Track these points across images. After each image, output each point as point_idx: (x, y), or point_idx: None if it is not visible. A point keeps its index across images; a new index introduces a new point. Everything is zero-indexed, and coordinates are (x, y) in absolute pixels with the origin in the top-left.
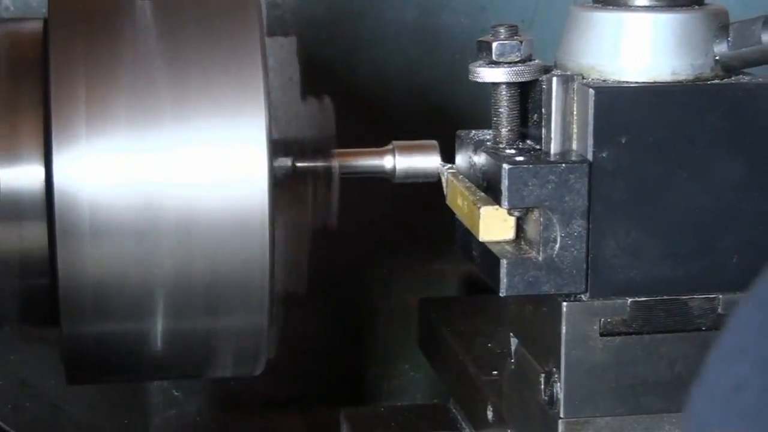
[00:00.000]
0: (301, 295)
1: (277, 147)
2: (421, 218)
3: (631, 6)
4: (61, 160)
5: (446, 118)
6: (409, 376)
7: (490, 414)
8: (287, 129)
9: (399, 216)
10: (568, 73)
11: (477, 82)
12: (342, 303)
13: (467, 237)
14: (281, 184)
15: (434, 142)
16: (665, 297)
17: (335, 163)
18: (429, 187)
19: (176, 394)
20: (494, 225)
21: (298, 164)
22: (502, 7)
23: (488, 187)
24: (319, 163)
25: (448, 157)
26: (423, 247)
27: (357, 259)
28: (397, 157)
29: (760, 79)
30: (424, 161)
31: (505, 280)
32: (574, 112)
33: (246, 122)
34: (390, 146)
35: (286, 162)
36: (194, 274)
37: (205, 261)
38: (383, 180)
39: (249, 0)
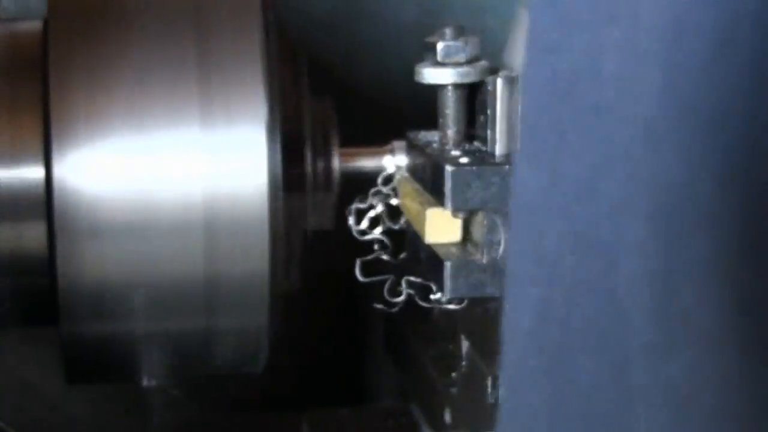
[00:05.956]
0: (301, 295)
1: (277, 146)
2: None
3: None
4: (60, 160)
5: None
6: None
7: (447, 416)
8: (287, 129)
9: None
10: (514, 74)
11: (423, 83)
12: (342, 303)
13: (416, 239)
14: (281, 184)
15: None
16: None
17: (335, 163)
18: None
19: (176, 394)
20: (441, 227)
21: (298, 164)
22: (501, 8)
23: (434, 189)
24: (319, 163)
25: None
26: None
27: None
28: (396, 157)
29: None
30: None
31: (449, 282)
32: (519, 113)
33: (246, 122)
34: (389, 146)
35: (286, 162)
36: (194, 274)
37: (204, 261)
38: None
39: (250, 0)
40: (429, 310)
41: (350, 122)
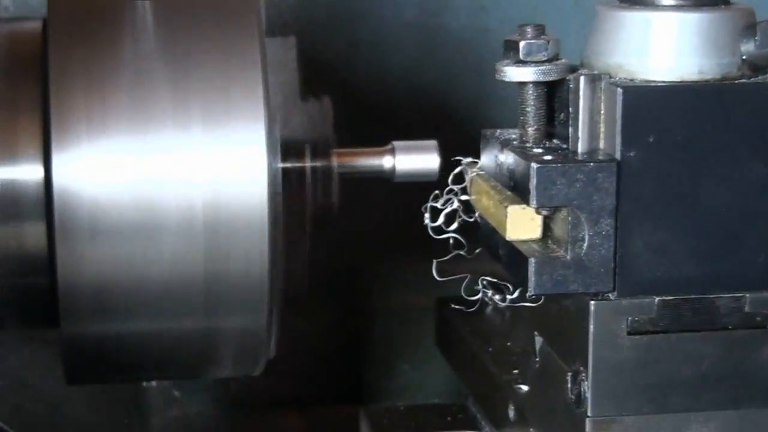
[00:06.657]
0: (301, 295)
1: (276, 147)
2: (421, 218)
3: (658, 5)
4: (60, 160)
5: (446, 118)
6: (408, 376)
7: (511, 413)
8: (287, 129)
9: (398, 216)
10: (596, 72)
11: (504, 81)
12: (342, 303)
13: (492, 236)
14: (281, 184)
15: (434, 142)
16: (692, 296)
17: (334, 163)
18: (428, 187)
19: (176, 394)
20: (521, 224)
21: (298, 164)
22: (502, 7)
23: (515, 186)
24: (319, 163)
25: (447, 157)
26: (422, 247)
27: (356, 259)
28: (396, 157)
29: None
30: (424, 161)
31: (533, 279)
32: (602, 111)
33: (246, 122)
34: (389, 146)
35: (285, 162)
36: (194, 274)
37: (204, 261)
38: (383, 180)
39: (249, 0)
40: (482, 308)
41: (350, 122)
